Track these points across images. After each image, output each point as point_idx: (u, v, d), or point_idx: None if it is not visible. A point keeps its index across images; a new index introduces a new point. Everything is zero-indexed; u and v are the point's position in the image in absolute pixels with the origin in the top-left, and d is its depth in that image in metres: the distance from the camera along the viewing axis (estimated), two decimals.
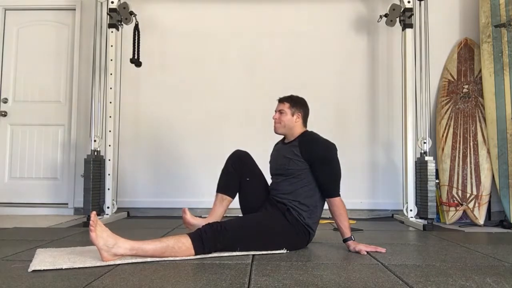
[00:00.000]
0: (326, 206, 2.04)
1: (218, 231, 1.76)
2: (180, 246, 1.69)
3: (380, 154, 3.58)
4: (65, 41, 3.76)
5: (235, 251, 1.81)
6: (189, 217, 2.07)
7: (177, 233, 1.99)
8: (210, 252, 1.75)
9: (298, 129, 2.08)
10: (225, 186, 2.13)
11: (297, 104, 2.08)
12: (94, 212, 1.63)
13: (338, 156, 2.00)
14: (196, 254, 1.72)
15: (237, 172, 2.11)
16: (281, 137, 2.19)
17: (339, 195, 1.96)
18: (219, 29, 3.66)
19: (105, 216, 3.11)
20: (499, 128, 3.13)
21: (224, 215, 2.15)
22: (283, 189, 2.02)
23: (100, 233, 1.61)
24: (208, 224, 1.80)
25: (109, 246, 1.61)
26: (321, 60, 3.62)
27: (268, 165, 2.19)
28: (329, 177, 1.97)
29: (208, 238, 1.73)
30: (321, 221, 2.17)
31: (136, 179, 3.60)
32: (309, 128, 2.13)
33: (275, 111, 2.11)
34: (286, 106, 2.07)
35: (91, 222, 1.60)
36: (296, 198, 1.97)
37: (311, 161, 1.97)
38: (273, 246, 1.90)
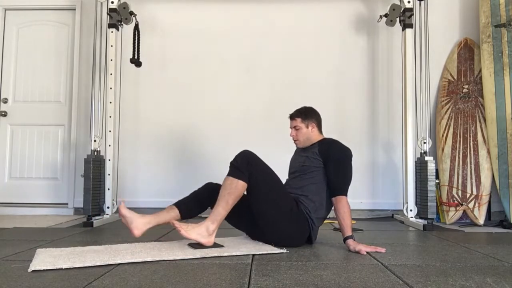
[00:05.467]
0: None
1: (251, 158, 1.94)
2: (233, 186, 1.88)
3: (380, 154, 3.58)
4: (65, 41, 3.76)
5: (255, 189, 1.92)
6: (122, 208, 1.95)
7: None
8: (248, 178, 1.90)
9: (315, 136, 2.19)
10: (183, 203, 2.07)
11: (308, 115, 2.19)
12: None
13: None
14: (241, 180, 1.89)
15: (206, 202, 2.06)
16: (289, 139, 2.26)
17: (346, 195, 2.01)
18: (219, 29, 3.66)
19: (105, 216, 3.11)
20: (499, 128, 3.13)
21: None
22: (294, 184, 2.11)
23: (191, 229, 1.82)
24: (238, 154, 1.96)
25: (203, 234, 1.83)
26: (321, 60, 3.62)
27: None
28: (339, 177, 2.03)
29: (241, 163, 1.91)
30: None
31: (136, 179, 3.59)
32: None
33: (290, 128, 2.21)
34: (298, 121, 2.18)
35: (177, 227, 1.81)
36: (304, 192, 2.05)
37: (327, 159, 2.05)
38: (277, 213, 1.96)
